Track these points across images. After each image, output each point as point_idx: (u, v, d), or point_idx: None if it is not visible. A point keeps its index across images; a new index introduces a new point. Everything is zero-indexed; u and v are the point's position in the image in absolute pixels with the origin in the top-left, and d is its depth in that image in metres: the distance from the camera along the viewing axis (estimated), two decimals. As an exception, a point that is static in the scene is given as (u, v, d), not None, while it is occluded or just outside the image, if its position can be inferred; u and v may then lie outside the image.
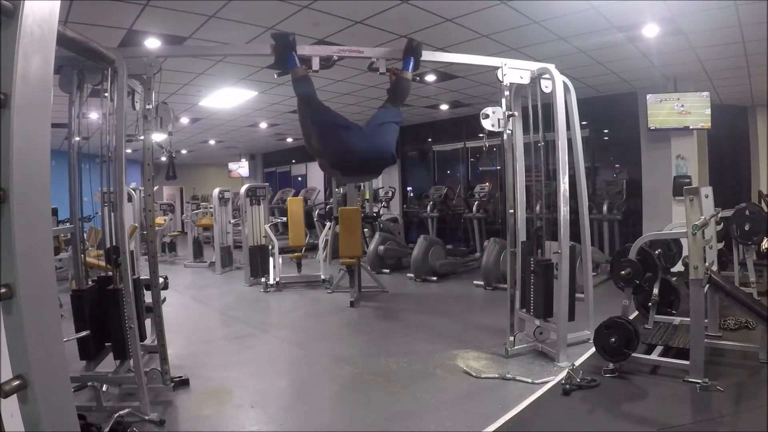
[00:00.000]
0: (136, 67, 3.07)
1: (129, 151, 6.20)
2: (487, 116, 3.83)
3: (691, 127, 6.88)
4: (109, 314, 2.98)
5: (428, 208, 9.37)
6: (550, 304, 3.80)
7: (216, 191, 8.85)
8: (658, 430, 2.59)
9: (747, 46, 5.36)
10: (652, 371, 3.40)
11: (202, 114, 8.94)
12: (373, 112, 2.92)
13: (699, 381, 3.04)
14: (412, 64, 3.04)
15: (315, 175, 13.69)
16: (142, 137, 3.16)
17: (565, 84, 3.86)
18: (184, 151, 14.35)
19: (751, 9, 4.27)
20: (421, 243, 7.28)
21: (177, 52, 4.77)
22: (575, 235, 3.98)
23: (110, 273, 3.08)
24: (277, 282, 6.80)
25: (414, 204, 10.98)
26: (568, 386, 3.11)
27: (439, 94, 7.91)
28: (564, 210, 3.63)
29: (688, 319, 3.32)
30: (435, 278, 7.20)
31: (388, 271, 7.84)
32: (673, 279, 4.63)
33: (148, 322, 3.50)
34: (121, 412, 2.63)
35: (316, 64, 3.15)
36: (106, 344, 3.12)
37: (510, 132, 3.79)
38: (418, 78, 6.46)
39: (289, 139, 12.88)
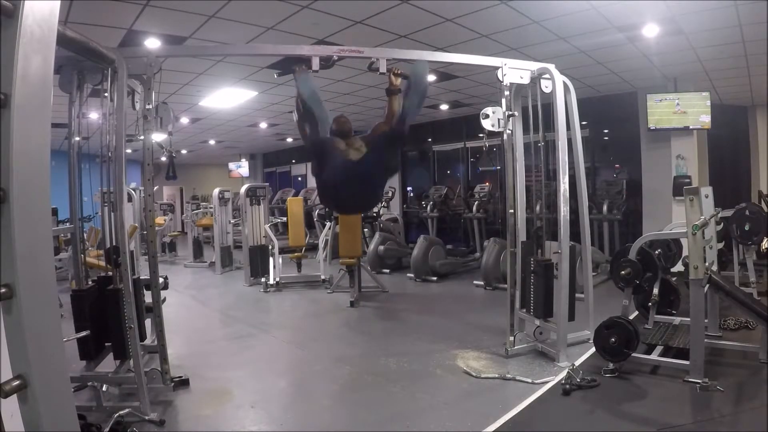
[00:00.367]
0: (136, 67, 3.07)
1: (129, 151, 6.22)
2: (487, 116, 3.84)
3: (691, 127, 6.88)
4: (109, 314, 2.98)
5: (428, 208, 9.36)
6: (550, 304, 3.80)
7: (216, 191, 8.85)
8: (658, 430, 2.59)
9: (747, 46, 5.36)
10: (652, 371, 3.40)
11: (202, 114, 8.94)
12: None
13: (699, 381, 3.04)
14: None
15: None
16: (142, 137, 3.16)
17: (565, 84, 3.86)
18: (184, 151, 14.35)
19: (751, 9, 4.27)
20: (421, 243, 7.28)
21: (177, 52, 4.78)
22: (575, 235, 3.98)
23: (110, 273, 3.08)
24: (277, 282, 6.80)
25: (414, 204, 10.97)
26: (568, 386, 3.11)
27: (439, 94, 7.89)
28: (564, 210, 3.63)
29: (688, 319, 3.32)
30: (435, 278, 7.19)
31: (388, 271, 7.83)
32: (673, 279, 4.63)
33: (148, 322, 3.50)
34: (121, 412, 2.64)
35: (316, 64, 3.15)
36: (106, 344, 3.12)
37: (510, 132, 3.79)
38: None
39: (289, 139, 12.88)
